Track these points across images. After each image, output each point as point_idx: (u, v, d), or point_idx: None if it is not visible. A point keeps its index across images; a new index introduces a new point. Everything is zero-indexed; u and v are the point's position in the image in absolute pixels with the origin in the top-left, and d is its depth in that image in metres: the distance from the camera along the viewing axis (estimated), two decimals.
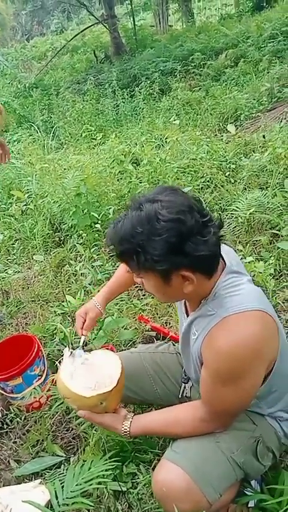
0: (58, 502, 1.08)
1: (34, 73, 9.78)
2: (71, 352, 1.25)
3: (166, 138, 3.92)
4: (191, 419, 1.07)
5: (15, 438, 1.65)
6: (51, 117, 6.15)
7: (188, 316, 1.13)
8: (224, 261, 1.03)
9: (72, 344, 1.93)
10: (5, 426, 1.67)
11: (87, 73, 8.12)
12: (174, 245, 0.87)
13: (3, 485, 1.46)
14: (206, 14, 15.40)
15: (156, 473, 1.06)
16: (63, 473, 1.33)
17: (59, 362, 1.24)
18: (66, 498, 1.09)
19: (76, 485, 1.11)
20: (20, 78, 8.91)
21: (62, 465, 1.49)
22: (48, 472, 1.47)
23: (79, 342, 1.37)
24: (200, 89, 5.75)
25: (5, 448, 1.62)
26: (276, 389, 1.09)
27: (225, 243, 1.10)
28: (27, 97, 7.39)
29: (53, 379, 1.76)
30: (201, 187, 3.01)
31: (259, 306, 0.94)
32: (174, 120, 4.18)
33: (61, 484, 1.12)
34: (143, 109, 5.42)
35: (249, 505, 1.21)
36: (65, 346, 1.93)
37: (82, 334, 1.36)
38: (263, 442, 1.10)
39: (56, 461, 1.50)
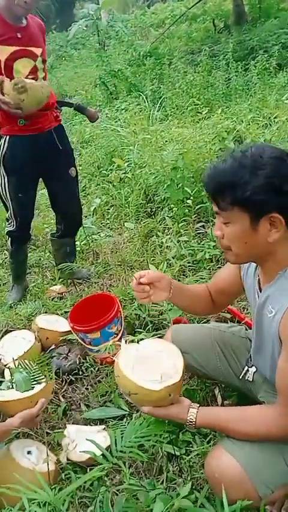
0: (117, 449, 1.18)
1: (150, 41, 9.78)
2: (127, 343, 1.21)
3: (275, 118, 3.70)
4: (266, 417, 1.03)
5: (87, 385, 1.82)
6: (160, 87, 6.14)
7: (261, 291, 1.10)
8: None
9: (148, 311, 2.03)
10: (80, 373, 1.85)
11: (203, 43, 7.86)
12: (274, 181, 0.92)
13: (72, 423, 1.64)
14: None
15: (211, 458, 1.08)
16: (124, 425, 1.44)
17: (115, 356, 1.17)
18: (125, 447, 1.19)
19: (135, 437, 1.21)
20: (136, 45, 8.99)
21: (125, 418, 1.61)
22: (112, 421, 1.61)
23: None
24: None
25: (77, 392, 1.80)
26: None
27: None
28: (140, 65, 7.45)
29: (126, 340, 1.88)
30: None
31: None
32: (287, 99, 3.90)
33: (121, 434, 1.23)
34: (255, 84, 5.13)
35: None
36: (143, 312, 2.03)
37: (140, 279, 1.20)
38: None
39: (120, 413, 1.63)
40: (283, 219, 0.95)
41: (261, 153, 0.95)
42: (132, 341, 1.41)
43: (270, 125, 3.69)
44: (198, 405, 1.11)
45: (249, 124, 3.64)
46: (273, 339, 1.05)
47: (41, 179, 2.37)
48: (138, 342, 1.25)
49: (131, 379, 1.06)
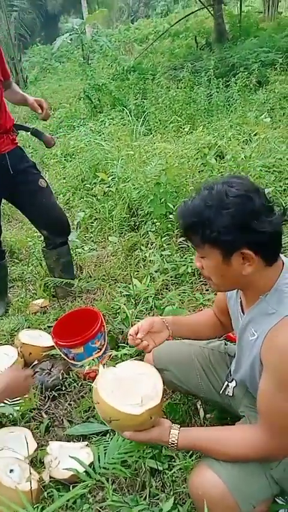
0: (100, 465, 1.19)
1: (134, 56, 9.96)
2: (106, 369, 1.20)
3: (255, 134, 3.81)
4: (246, 439, 1.03)
5: (70, 401, 1.82)
6: (143, 102, 6.26)
7: (244, 314, 1.13)
8: (283, 261, 1.04)
9: (131, 325, 2.04)
10: (63, 388, 1.85)
11: (186, 59, 8.05)
12: (240, 219, 0.93)
13: (55, 440, 1.63)
14: None
15: (194, 475, 1.08)
16: (107, 441, 1.44)
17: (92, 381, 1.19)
18: (107, 463, 1.20)
19: (118, 453, 1.21)
20: (120, 60, 9.13)
21: (108, 434, 1.61)
22: (95, 437, 1.61)
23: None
24: None
25: (60, 408, 1.80)
26: None
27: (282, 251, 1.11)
28: (124, 80, 7.57)
29: (110, 355, 1.89)
30: (284, 189, 2.91)
31: None
32: (265, 118, 4.03)
33: (104, 450, 1.24)
34: (236, 100, 5.29)
35: None
36: (126, 327, 2.05)
37: (134, 337, 1.23)
38: None
39: (103, 429, 1.63)
40: (254, 254, 0.96)
41: (227, 190, 0.95)
42: (112, 358, 1.41)
43: (250, 141, 3.80)
44: (179, 426, 1.11)
45: (230, 140, 3.74)
46: (254, 362, 1.06)
47: None
48: (115, 365, 1.24)
49: (111, 404, 1.05)
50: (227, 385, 1.33)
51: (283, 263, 1.04)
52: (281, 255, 1.06)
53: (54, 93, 9.48)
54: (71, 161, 4.68)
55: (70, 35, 12.63)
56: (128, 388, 1.11)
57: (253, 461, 1.04)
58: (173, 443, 1.07)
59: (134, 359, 1.48)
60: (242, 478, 1.03)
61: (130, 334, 1.24)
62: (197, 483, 1.06)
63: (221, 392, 1.36)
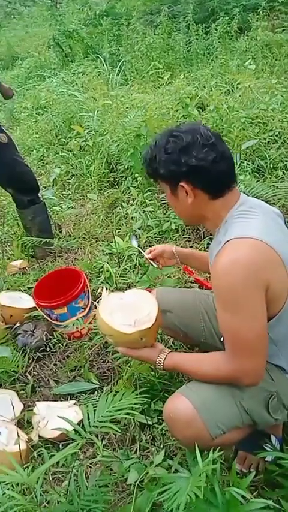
0: (89, 423, 1.17)
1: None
2: (109, 292, 1.29)
3: (238, 84, 3.65)
4: (217, 357, 1.11)
5: (55, 361, 1.79)
6: (119, 50, 5.88)
7: None
8: (239, 196, 1.11)
9: (116, 284, 2.00)
10: (47, 349, 1.81)
11: (162, 3, 7.51)
12: (173, 156, 1.06)
13: (42, 400, 1.61)
14: None
15: (168, 401, 1.16)
16: (96, 399, 1.43)
17: (97, 302, 1.30)
18: (97, 421, 1.18)
19: (107, 411, 1.20)
20: (91, 3, 8.49)
21: (96, 392, 1.60)
22: (82, 395, 1.60)
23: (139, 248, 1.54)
24: (283, 30, 5.18)
25: (45, 368, 1.76)
26: None
27: (266, 202, 1.19)
28: (96, 25, 7.06)
29: (94, 314, 1.85)
30: (268, 142, 2.82)
31: (261, 237, 0.98)
32: (250, 65, 3.84)
33: (93, 408, 1.22)
34: (217, 48, 5.02)
35: (266, 459, 1.26)
36: (110, 285, 2.00)
37: (147, 255, 1.46)
38: (278, 397, 1.12)
39: (91, 387, 1.62)
40: (192, 186, 1.07)
41: (171, 132, 1.08)
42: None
43: (233, 91, 3.64)
44: (169, 350, 1.19)
45: (212, 90, 3.56)
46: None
47: None
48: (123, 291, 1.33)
49: (106, 322, 1.16)
50: None
51: (239, 197, 1.11)
52: (242, 193, 1.13)
53: (21, 41, 8.83)
54: (43, 114, 4.41)
55: None
56: (128, 311, 1.21)
57: (223, 381, 1.10)
58: (160, 363, 1.16)
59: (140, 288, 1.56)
60: (212, 403, 1.09)
61: (147, 253, 1.47)
62: (169, 408, 1.13)
63: (222, 339, 1.36)
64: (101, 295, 1.34)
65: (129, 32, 5.94)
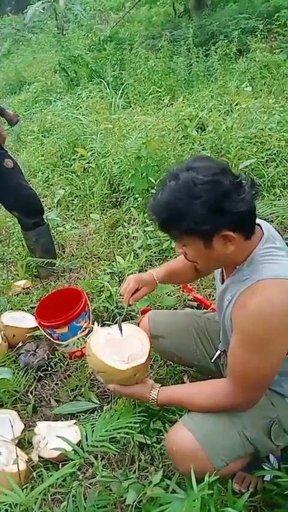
0: (87, 443, 1.19)
1: (110, 25, 9.55)
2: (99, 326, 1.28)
3: (236, 105, 3.73)
4: (216, 390, 1.10)
5: (57, 380, 1.80)
6: (121, 73, 6.03)
7: (223, 282, 1.16)
8: (262, 231, 1.06)
9: (116, 303, 2.03)
10: (49, 368, 1.83)
11: (164, 28, 7.75)
12: (213, 205, 0.93)
13: (43, 420, 1.62)
14: None
15: (170, 432, 1.15)
16: (95, 418, 1.44)
17: (88, 337, 1.25)
18: (95, 441, 1.19)
19: (105, 430, 1.21)
20: (96, 30, 8.75)
21: (96, 411, 1.62)
22: (82, 415, 1.61)
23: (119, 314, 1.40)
24: (281, 51, 5.31)
25: (47, 388, 1.78)
26: None
27: (265, 220, 1.14)
28: (100, 50, 7.27)
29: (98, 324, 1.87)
30: (266, 160, 2.87)
31: None
32: (246, 87, 3.94)
33: (92, 427, 1.23)
34: (216, 70, 5.13)
35: (264, 479, 1.25)
36: (111, 304, 2.03)
37: (128, 304, 1.30)
38: (280, 423, 1.12)
39: (91, 406, 1.63)
40: (233, 233, 0.97)
41: (193, 178, 0.93)
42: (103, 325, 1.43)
43: (231, 111, 3.72)
44: (160, 385, 1.18)
45: (211, 111, 3.65)
46: (226, 322, 1.12)
47: None
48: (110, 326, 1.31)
49: (100, 358, 1.12)
50: (220, 354, 1.35)
51: (262, 233, 1.06)
52: (261, 223, 1.08)
53: (29, 67, 9.10)
54: (48, 137, 4.53)
55: (42, 3, 12.00)
56: (118, 346, 1.19)
57: (222, 410, 1.09)
58: (153, 399, 1.15)
59: (128, 323, 1.51)
60: (214, 434, 1.08)
61: (121, 294, 1.33)
62: (172, 440, 1.11)
63: (213, 360, 1.38)
64: (91, 330, 1.33)
65: (132, 56, 6.11)
